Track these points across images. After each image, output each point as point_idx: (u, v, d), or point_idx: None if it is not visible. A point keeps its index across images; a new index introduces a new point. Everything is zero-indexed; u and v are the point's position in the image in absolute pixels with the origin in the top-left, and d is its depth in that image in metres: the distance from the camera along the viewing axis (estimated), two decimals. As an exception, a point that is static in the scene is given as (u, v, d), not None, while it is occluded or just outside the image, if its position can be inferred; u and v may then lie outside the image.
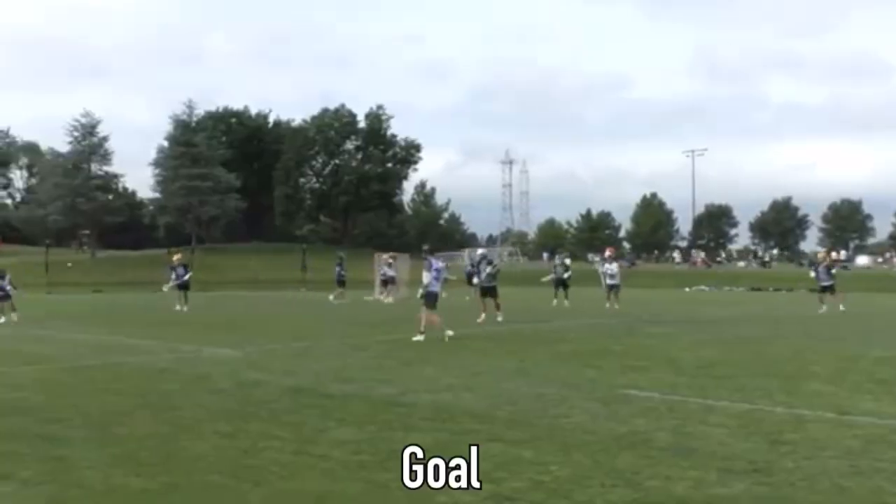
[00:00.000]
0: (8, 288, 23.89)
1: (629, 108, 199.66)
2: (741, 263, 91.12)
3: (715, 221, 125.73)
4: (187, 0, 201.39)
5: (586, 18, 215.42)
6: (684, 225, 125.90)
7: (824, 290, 28.17)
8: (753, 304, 35.60)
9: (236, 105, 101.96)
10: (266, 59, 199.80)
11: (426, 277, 17.64)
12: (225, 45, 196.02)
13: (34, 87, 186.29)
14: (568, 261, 35.30)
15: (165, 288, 29.47)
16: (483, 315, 22.59)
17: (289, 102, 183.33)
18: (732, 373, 12.03)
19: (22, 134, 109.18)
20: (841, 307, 27.30)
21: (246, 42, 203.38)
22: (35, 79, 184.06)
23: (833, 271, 29.34)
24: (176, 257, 30.39)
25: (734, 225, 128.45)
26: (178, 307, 27.34)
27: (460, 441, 7.40)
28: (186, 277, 28.22)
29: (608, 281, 29.34)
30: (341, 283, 37.31)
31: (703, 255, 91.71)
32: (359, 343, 16.57)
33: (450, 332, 16.95)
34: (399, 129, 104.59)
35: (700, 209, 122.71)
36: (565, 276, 31.86)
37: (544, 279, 34.00)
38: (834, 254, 50.69)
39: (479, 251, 29.62)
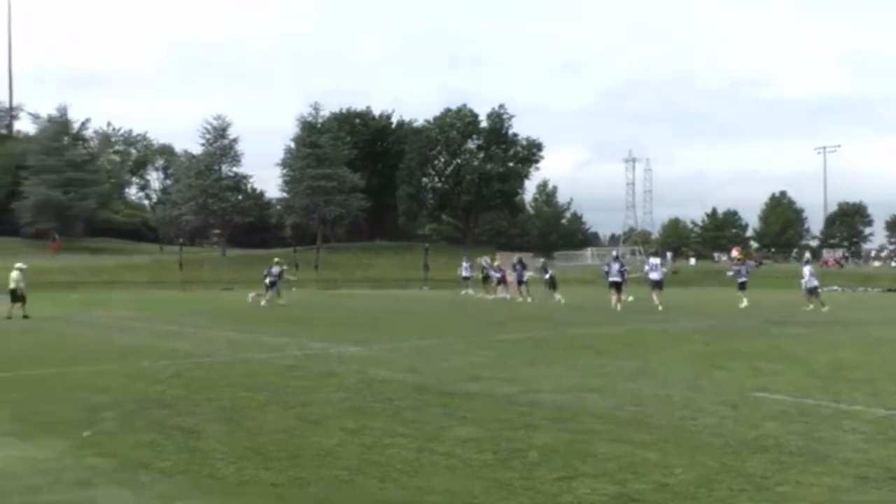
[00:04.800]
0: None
1: (766, 105, 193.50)
2: (876, 263, 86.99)
3: (848, 220, 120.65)
4: (325, 4, 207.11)
5: (727, 15, 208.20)
6: (815, 224, 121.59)
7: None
8: (891, 306, 34.05)
9: (367, 105, 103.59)
10: (401, 60, 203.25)
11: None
12: (363, 48, 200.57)
13: (188, 92, 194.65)
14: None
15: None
16: (618, 305, 27.48)
17: (424, 104, 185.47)
18: (868, 376, 11.55)
19: (172, 138, 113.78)
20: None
21: (381, 43, 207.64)
22: (187, 83, 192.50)
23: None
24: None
25: (869, 223, 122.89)
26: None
27: (582, 441, 7.37)
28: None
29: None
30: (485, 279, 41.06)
31: (836, 254, 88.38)
32: (482, 341, 16.65)
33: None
34: (530, 128, 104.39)
35: (833, 207, 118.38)
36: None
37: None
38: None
39: (614, 252, 32.67)
